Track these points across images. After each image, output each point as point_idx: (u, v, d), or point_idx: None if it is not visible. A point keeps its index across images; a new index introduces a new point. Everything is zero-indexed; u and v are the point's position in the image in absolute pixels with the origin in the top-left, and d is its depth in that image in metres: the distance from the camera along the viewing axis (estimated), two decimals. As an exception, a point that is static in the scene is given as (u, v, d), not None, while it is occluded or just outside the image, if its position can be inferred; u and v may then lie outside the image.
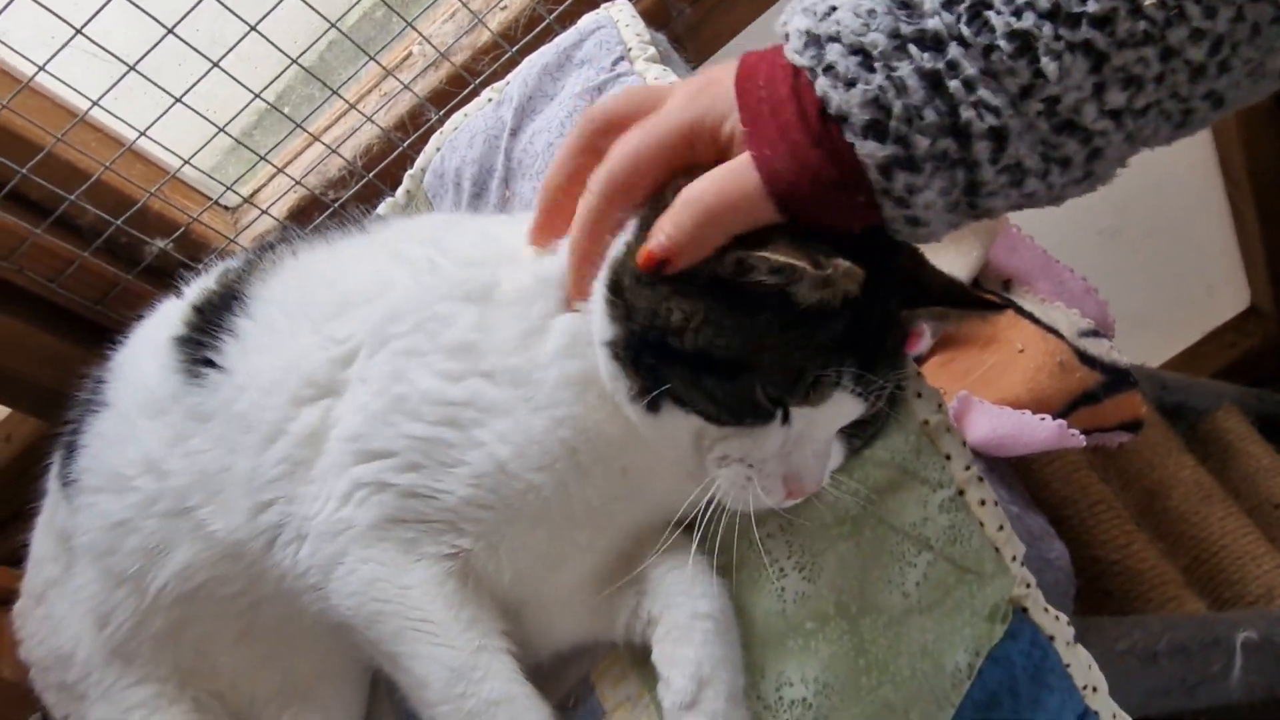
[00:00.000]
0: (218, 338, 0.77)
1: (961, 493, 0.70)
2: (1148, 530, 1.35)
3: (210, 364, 0.77)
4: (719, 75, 0.59)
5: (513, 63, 1.04)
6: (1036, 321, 1.10)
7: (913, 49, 0.50)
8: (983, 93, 0.50)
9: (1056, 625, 0.74)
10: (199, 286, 0.85)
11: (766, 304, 0.58)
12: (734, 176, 0.57)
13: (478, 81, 1.08)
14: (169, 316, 0.83)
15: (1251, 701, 1.16)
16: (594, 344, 0.64)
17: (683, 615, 0.67)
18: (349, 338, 0.72)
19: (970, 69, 0.50)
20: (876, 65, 0.51)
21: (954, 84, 0.50)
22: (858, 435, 0.66)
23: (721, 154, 0.59)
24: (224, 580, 0.78)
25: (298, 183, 1.07)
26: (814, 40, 0.53)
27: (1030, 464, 1.28)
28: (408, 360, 0.69)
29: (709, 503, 0.65)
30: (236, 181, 1.08)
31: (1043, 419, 0.99)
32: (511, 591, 0.71)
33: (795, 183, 0.55)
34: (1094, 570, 1.26)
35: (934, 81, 0.50)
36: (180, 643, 0.83)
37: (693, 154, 0.60)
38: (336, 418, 0.71)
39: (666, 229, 0.58)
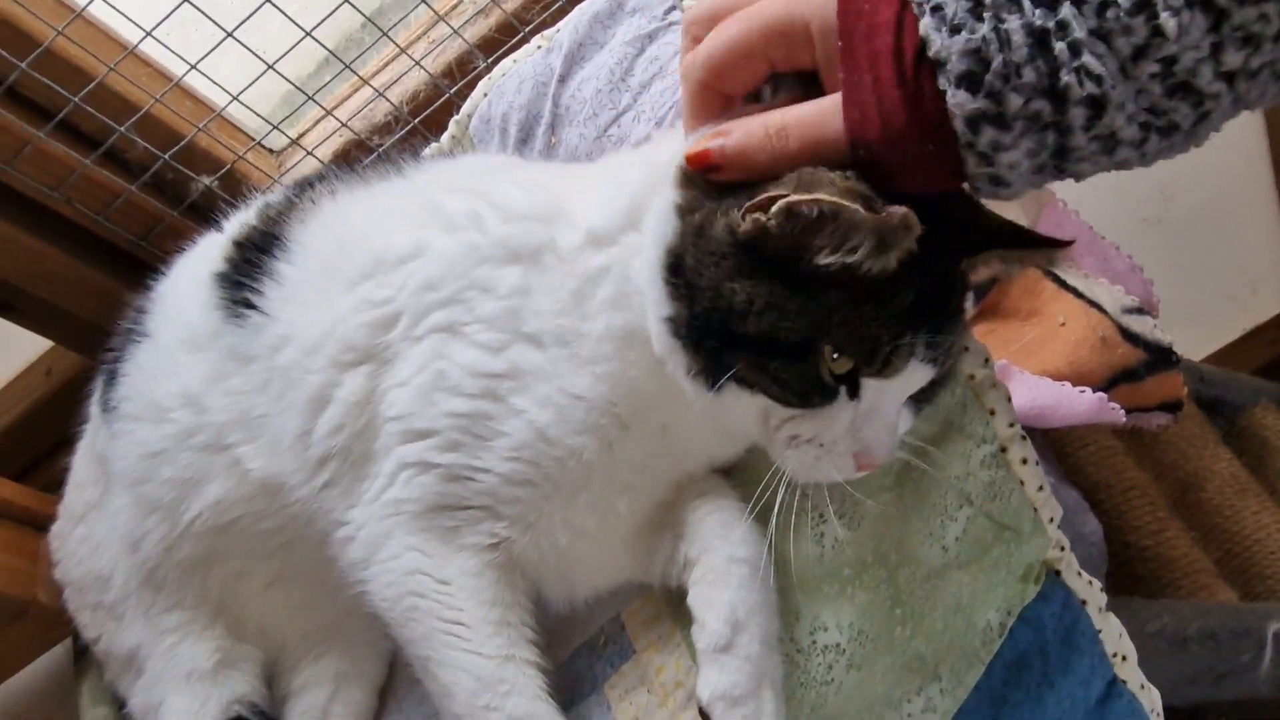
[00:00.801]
0: (258, 279, 0.77)
1: (1004, 450, 0.70)
2: (1181, 521, 1.33)
3: (250, 305, 0.77)
4: None
5: (562, 12, 1.03)
6: (1080, 296, 1.09)
7: (1026, 3, 0.49)
8: (1088, 59, 0.48)
9: (1090, 591, 0.74)
10: (239, 221, 0.85)
11: (832, 282, 0.56)
12: (818, 123, 0.56)
13: (528, 29, 1.08)
14: (210, 251, 0.84)
15: (1278, 700, 1.15)
16: (642, 299, 0.63)
17: (719, 559, 0.66)
18: (386, 301, 0.71)
19: (1079, 32, 0.48)
20: (986, 14, 0.49)
21: (1060, 45, 0.48)
22: (926, 397, 0.64)
23: (813, 58, 0.57)
24: (258, 517, 0.79)
25: (344, 125, 1.07)
26: None
27: (1065, 446, 1.27)
28: (447, 335, 0.69)
29: (774, 474, 0.64)
30: (284, 121, 1.08)
31: (1082, 391, 0.98)
32: (553, 566, 0.72)
33: (868, 125, 0.53)
34: (1125, 555, 1.25)
35: (1040, 40, 0.49)
36: (210, 576, 0.84)
37: (789, 49, 0.58)
38: (384, 389, 0.71)
39: (733, 139, 0.57)
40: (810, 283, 0.56)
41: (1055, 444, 1.26)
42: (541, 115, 0.97)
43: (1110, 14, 0.47)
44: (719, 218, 0.58)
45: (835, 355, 0.57)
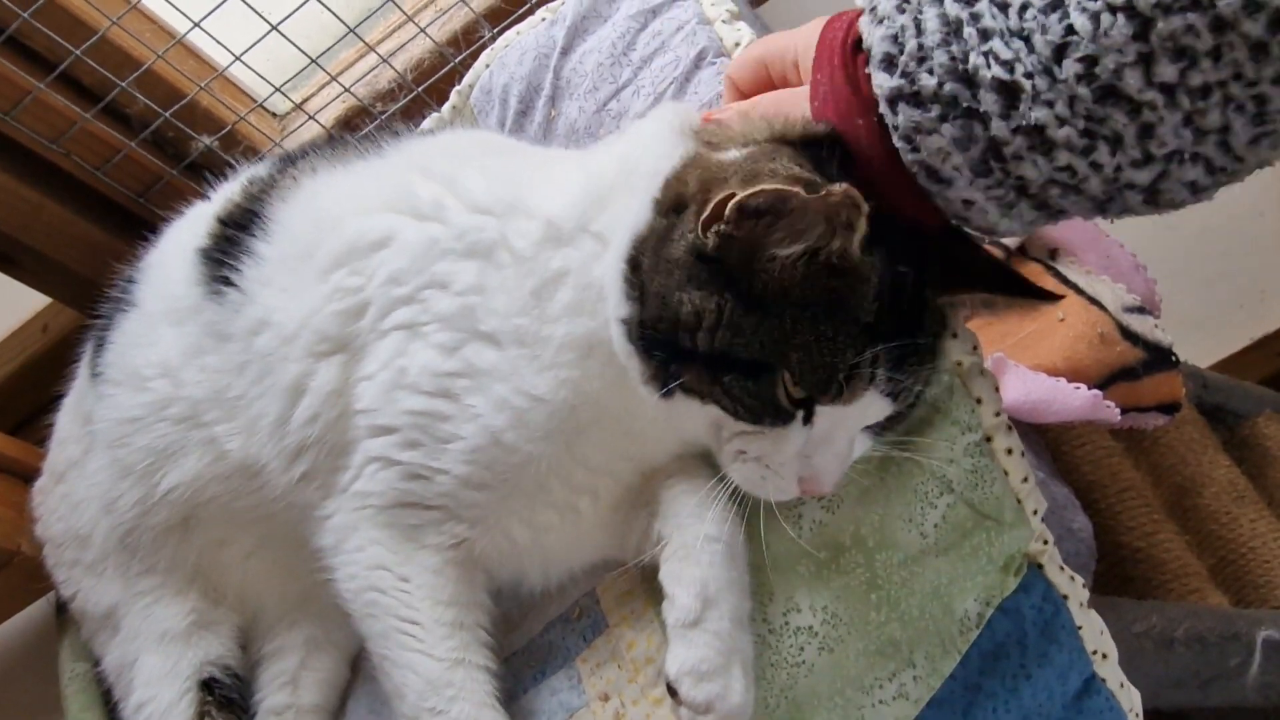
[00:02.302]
0: (238, 257, 0.77)
1: (989, 439, 0.69)
2: (1176, 525, 1.32)
3: (230, 283, 0.77)
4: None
5: (571, -16, 1.02)
6: (1081, 292, 1.08)
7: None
8: (996, 43, 0.51)
9: (1071, 586, 0.73)
10: (224, 195, 0.85)
11: (788, 298, 0.57)
12: (791, 98, 0.63)
13: (534, 1, 1.07)
14: (197, 223, 0.84)
15: (1265, 707, 1.14)
16: (604, 305, 0.63)
17: (692, 537, 0.66)
18: (356, 290, 0.72)
19: (991, 21, 0.51)
20: (908, 8, 0.54)
21: (970, 30, 0.51)
22: (885, 430, 0.64)
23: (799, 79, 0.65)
24: (236, 495, 0.80)
25: (347, 90, 1.07)
26: None
27: (1060, 445, 1.26)
28: (408, 333, 0.69)
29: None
30: (287, 85, 1.08)
31: (1077, 388, 0.97)
32: (519, 558, 0.72)
33: (825, 107, 0.59)
34: (1116, 555, 1.24)
35: (955, 27, 0.52)
36: (186, 543, 0.84)
37: (780, 70, 0.67)
38: (355, 380, 0.72)
39: (727, 111, 0.66)
40: (768, 298, 0.57)
41: (1052, 441, 1.25)
42: (542, 88, 0.97)
43: (1029, 14, 0.50)
44: (682, 231, 0.59)
45: (793, 382, 0.58)
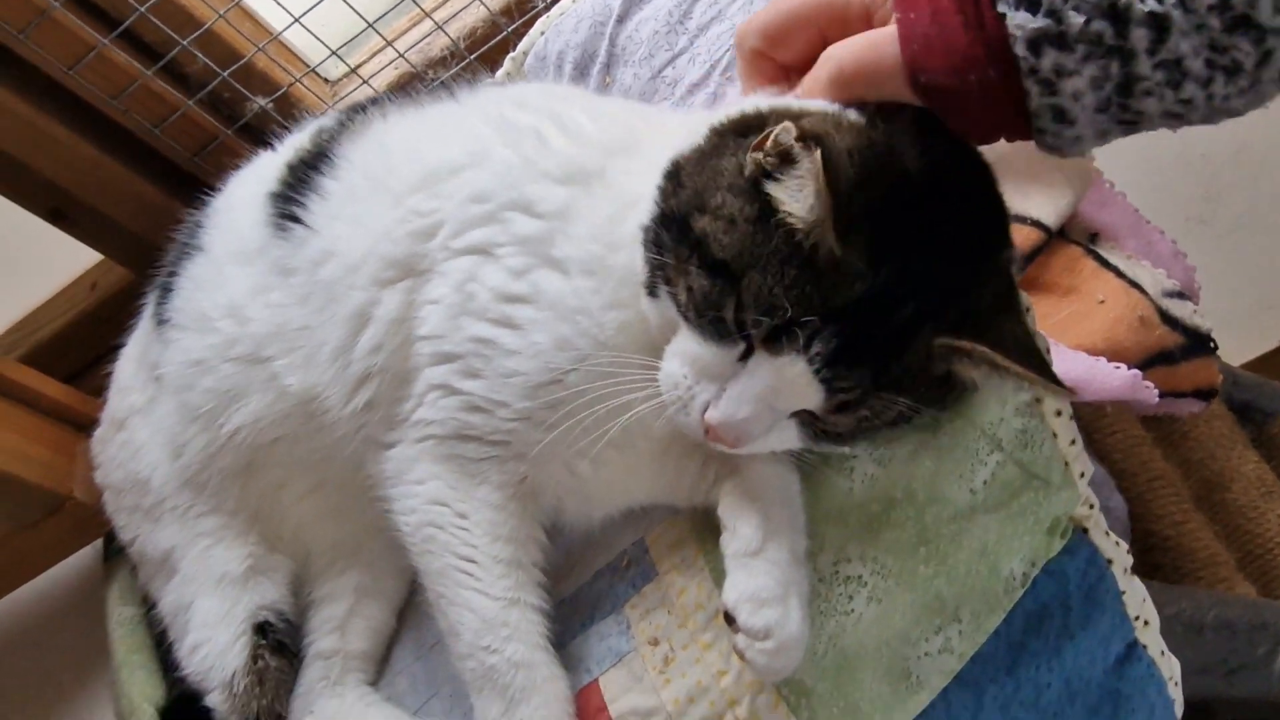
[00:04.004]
0: (305, 195, 0.79)
1: (1039, 400, 0.70)
2: (1204, 516, 1.32)
3: (295, 219, 0.78)
4: None
5: (626, -45, 1.03)
6: (1120, 275, 1.08)
7: None
8: None
9: (1116, 551, 0.74)
10: (293, 143, 0.86)
11: (782, 230, 0.56)
12: (873, 45, 0.57)
13: (589, -29, 1.09)
14: (265, 169, 0.85)
15: (1287, 702, 1.14)
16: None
17: (751, 474, 0.67)
18: (432, 212, 0.72)
19: None
20: None
21: None
22: (820, 440, 0.61)
23: (869, 23, 0.59)
24: (296, 437, 0.81)
25: (401, 56, 1.08)
26: None
27: (1092, 432, 1.26)
28: (480, 257, 0.70)
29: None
30: (342, 48, 1.09)
31: (1116, 367, 0.98)
32: (576, 494, 0.73)
33: (929, 53, 0.54)
34: (1146, 543, 1.24)
35: None
36: (249, 483, 0.85)
37: (842, 19, 0.60)
38: (420, 304, 0.72)
39: (805, 83, 0.59)
40: (770, 217, 0.56)
41: (1083, 428, 1.25)
42: (597, 54, 0.98)
43: None
44: (735, 149, 0.59)
45: (737, 304, 0.57)
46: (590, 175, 0.69)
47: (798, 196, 0.55)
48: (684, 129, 0.65)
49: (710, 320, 0.58)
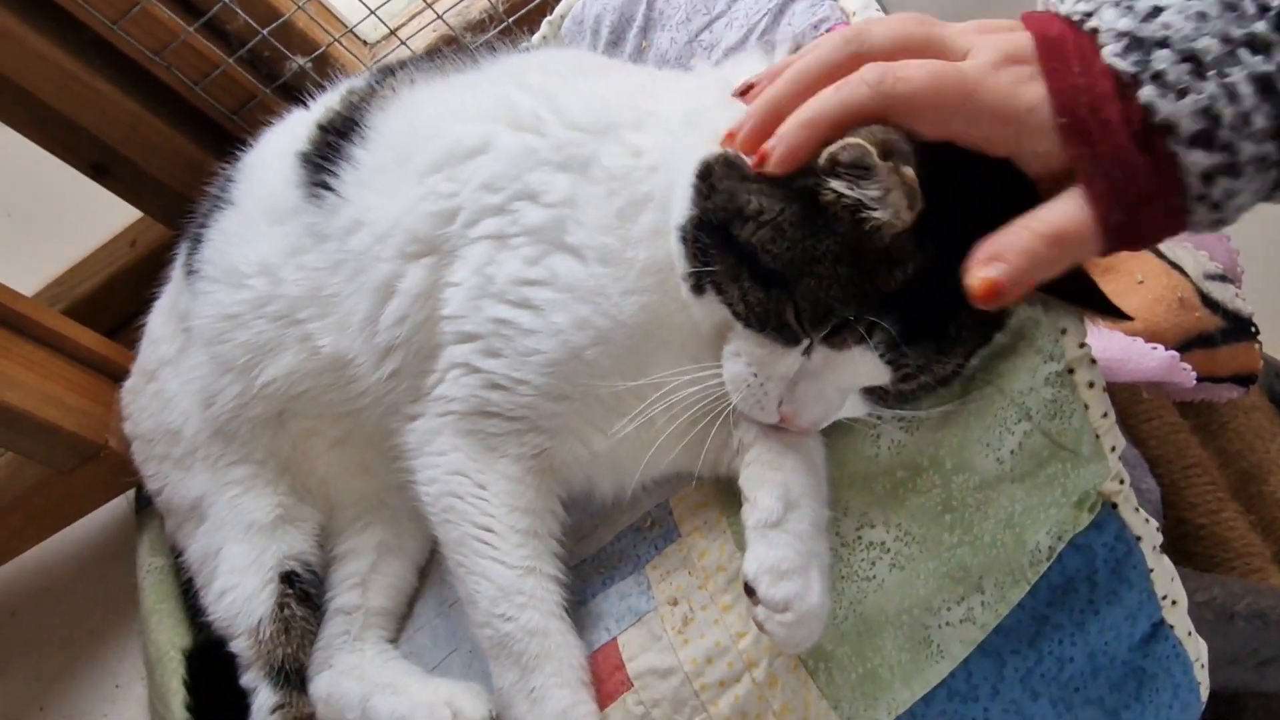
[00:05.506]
0: (337, 163, 0.80)
1: (1071, 370, 0.69)
2: (1239, 507, 1.30)
3: (328, 187, 0.80)
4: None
5: (666, -81, 1.02)
6: (1161, 256, 1.06)
7: (1243, 53, 0.50)
8: None
9: (1146, 528, 0.72)
10: (324, 104, 0.87)
11: (833, 232, 0.57)
12: (1067, 214, 0.54)
13: (628, -64, 1.08)
14: (297, 128, 0.86)
15: (1319, 700, 1.12)
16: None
17: (775, 443, 0.67)
18: (451, 195, 0.74)
19: None
20: (1209, 73, 0.50)
21: None
22: (885, 404, 0.65)
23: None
24: (327, 389, 0.82)
25: (439, 17, 1.09)
26: (1138, 44, 0.52)
27: (1127, 418, 1.24)
28: (496, 243, 0.71)
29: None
30: (380, 7, 1.10)
31: (1154, 348, 0.96)
32: (597, 464, 0.73)
33: (1120, 195, 0.53)
34: (1179, 531, 1.22)
35: (1264, 85, 0.50)
36: (280, 432, 0.87)
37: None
38: (443, 284, 0.73)
39: (1014, 265, 0.54)
40: (820, 223, 0.57)
41: (1119, 413, 1.23)
42: (634, 18, 0.97)
43: None
44: None
45: (794, 310, 0.59)
46: (586, 161, 0.70)
47: (885, 202, 0.55)
48: (693, 89, 0.68)
49: (772, 324, 0.60)
